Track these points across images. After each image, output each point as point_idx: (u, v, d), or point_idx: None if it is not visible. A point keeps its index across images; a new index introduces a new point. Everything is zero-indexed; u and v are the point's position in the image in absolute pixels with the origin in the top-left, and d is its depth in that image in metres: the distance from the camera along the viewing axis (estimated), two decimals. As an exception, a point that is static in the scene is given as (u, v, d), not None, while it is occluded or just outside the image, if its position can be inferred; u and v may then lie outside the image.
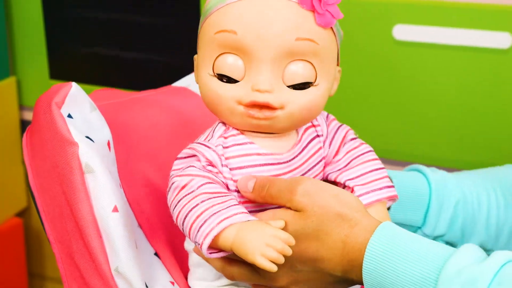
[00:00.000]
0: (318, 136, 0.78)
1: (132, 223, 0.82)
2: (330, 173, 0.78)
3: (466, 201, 0.89)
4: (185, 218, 0.69)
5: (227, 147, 0.74)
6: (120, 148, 0.86)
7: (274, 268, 0.65)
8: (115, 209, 0.77)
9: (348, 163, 0.78)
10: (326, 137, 0.78)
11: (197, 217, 0.68)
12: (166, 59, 1.45)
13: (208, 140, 0.74)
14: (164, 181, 0.87)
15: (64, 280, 0.81)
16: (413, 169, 0.91)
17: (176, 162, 0.75)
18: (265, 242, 0.65)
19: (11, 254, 1.63)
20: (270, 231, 0.66)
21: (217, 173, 0.73)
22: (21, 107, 1.62)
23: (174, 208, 0.71)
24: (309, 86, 0.72)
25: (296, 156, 0.75)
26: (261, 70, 0.70)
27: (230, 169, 0.73)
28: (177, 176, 0.72)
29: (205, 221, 0.68)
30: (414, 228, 0.88)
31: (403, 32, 1.26)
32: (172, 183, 0.72)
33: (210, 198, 0.69)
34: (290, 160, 0.75)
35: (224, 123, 0.75)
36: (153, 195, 0.87)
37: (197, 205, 0.69)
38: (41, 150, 0.81)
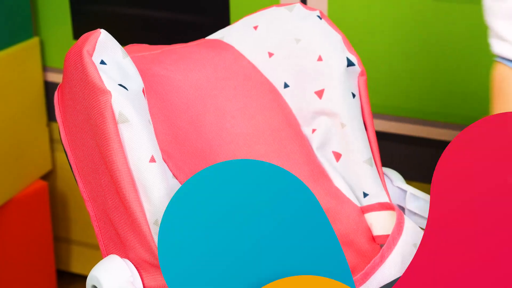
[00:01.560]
0: None
1: (167, 174, 0.78)
2: None
3: None
4: None
5: None
6: (152, 99, 0.83)
7: None
8: (152, 159, 0.73)
9: None
10: None
11: None
12: (196, 19, 1.41)
13: None
14: (196, 134, 0.84)
15: (99, 238, 0.78)
16: None
17: None
18: None
19: (36, 218, 1.61)
20: None
21: None
22: (45, 68, 1.59)
23: None
24: None
25: None
26: None
27: None
28: None
29: None
30: None
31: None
32: None
33: None
34: None
35: None
36: (185, 147, 0.83)
37: None
38: (72, 104, 0.77)
